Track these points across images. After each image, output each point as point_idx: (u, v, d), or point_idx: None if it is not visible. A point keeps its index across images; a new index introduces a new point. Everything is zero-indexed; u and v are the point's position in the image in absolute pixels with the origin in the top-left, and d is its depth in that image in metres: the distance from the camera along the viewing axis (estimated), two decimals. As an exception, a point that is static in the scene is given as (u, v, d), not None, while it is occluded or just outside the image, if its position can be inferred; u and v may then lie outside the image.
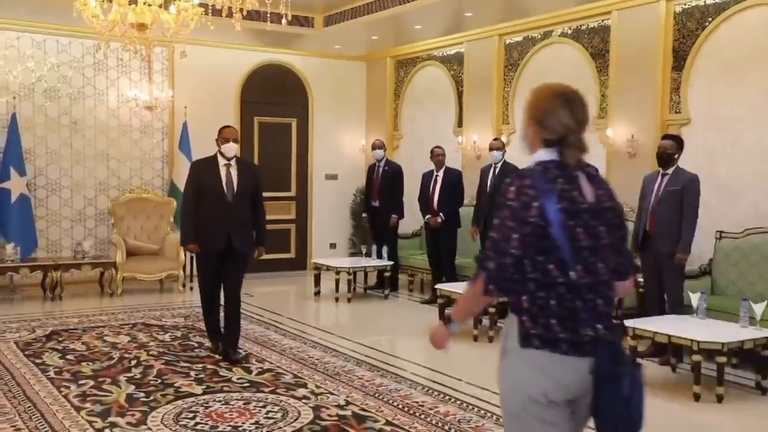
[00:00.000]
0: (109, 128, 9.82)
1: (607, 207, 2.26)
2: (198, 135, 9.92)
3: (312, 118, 11.32)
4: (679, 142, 6.10)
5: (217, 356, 5.93)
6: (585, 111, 2.27)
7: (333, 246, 11.40)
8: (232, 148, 5.73)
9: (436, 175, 8.63)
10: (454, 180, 8.60)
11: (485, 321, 6.90)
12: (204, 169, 5.72)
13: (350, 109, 11.59)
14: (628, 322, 5.61)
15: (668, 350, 5.84)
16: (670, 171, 6.07)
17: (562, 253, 2.17)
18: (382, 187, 9.32)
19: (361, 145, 11.59)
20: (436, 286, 7.46)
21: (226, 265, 5.71)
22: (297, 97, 11.22)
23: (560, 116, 2.24)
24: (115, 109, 9.84)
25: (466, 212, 8.66)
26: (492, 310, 6.76)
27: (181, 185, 9.69)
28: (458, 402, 4.93)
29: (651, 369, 5.87)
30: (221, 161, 5.72)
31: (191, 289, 9.42)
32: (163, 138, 10.18)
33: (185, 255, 9.25)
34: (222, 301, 5.91)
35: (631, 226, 6.66)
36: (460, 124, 9.98)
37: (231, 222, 5.64)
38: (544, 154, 2.27)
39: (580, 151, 2.25)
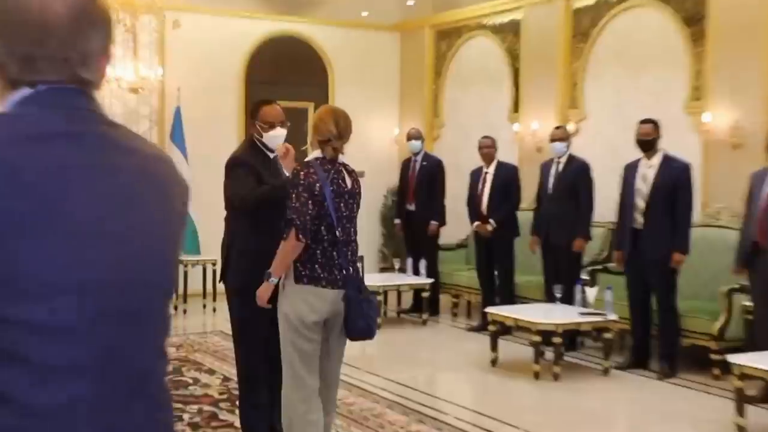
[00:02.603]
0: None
1: (357, 192, 4.23)
2: (194, 123, 9.90)
3: (333, 102, 11.22)
4: None
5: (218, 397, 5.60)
6: (346, 124, 4.19)
7: (359, 259, 11.29)
8: (280, 138, 4.74)
9: (486, 173, 8.60)
10: (507, 178, 8.55)
11: (549, 354, 6.75)
12: (259, 166, 4.67)
13: (380, 91, 11.57)
14: (732, 358, 5.40)
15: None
16: None
17: (331, 220, 4.05)
18: (420, 186, 9.32)
19: (394, 135, 11.62)
20: (486, 310, 7.43)
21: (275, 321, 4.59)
22: (315, 76, 11.23)
23: (328, 125, 4.14)
24: (92, 92, 9.81)
25: (526, 217, 8.55)
26: (557, 340, 6.62)
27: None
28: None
29: (764, 417, 5.64)
30: (270, 154, 4.75)
31: (185, 312, 9.39)
32: (150, 126, 10.19)
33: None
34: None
35: (734, 235, 6.45)
36: (516, 108, 9.93)
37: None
38: (318, 153, 4.15)
39: (335, 152, 4.15)
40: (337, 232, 4.07)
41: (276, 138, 4.70)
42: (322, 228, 4.05)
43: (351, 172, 4.25)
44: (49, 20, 1.31)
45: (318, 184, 4.02)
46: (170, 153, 9.77)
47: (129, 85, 9.64)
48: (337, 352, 4.24)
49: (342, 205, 4.11)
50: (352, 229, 4.20)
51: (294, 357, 4.09)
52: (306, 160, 4.18)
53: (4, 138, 1.26)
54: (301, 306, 4.04)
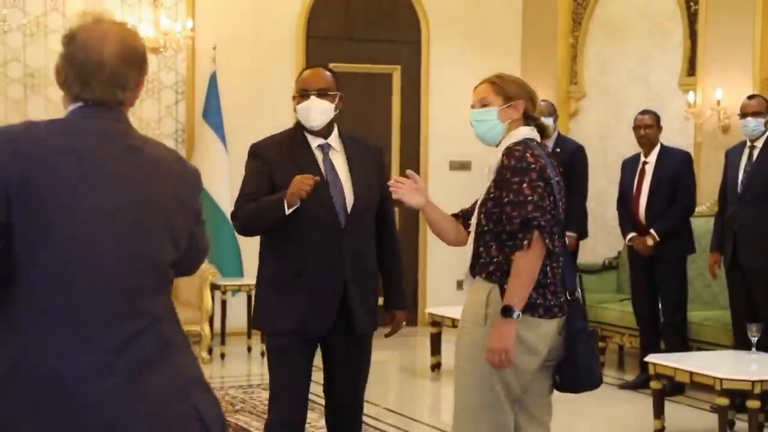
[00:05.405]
0: (87, 84, 9.94)
1: (563, 187, 4.33)
2: (235, 95, 10.06)
3: (427, 65, 11.41)
4: None
5: None
6: None
7: (462, 286, 11.19)
8: (314, 112, 4.79)
9: (645, 163, 8.60)
10: (676, 170, 8.50)
11: (741, 424, 6.62)
12: (281, 158, 4.82)
13: (494, 48, 11.55)
14: None
15: None
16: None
17: (556, 221, 4.09)
18: (551, 182, 9.21)
19: (514, 111, 11.49)
20: (647, 359, 7.34)
21: (330, 358, 4.95)
22: (401, 28, 11.33)
23: (538, 97, 4.42)
24: (99, 51, 9.95)
25: (704, 227, 8.46)
26: (754, 404, 6.46)
27: (208, 181, 9.80)
28: None
29: None
30: (312, 142, 4.85)
31: (222, 357, 9.49)
32: (177, 100, 10.36)
33: (212, 298, 9.23)
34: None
35: None
36: (691, 71, 9.83)
37: (344, 272, 4.78)
38: (530, 132, 4.23)
39: (548, 131, 4.49)
40: (558, 241, 4.17)
41: (307, 112, 4.76)
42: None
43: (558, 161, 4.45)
44: (104, 59, 2.67)
45: (548, 171, 4.11)
46: (202, 138, 9.98)
47: (147, 44, 9.67)
48: (547, 413, 4.40)
49: (560, 203, 4.22)
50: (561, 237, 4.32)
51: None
52: (516, 139, 4.23)
53: (58, 131, 2.69)
54: (518, 351, 4.04)
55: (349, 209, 4.76)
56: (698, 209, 8.63)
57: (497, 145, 4.25)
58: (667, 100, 9.81)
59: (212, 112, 9.92)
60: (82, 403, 2.53)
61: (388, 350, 10.24)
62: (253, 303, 5.08)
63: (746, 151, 7.77)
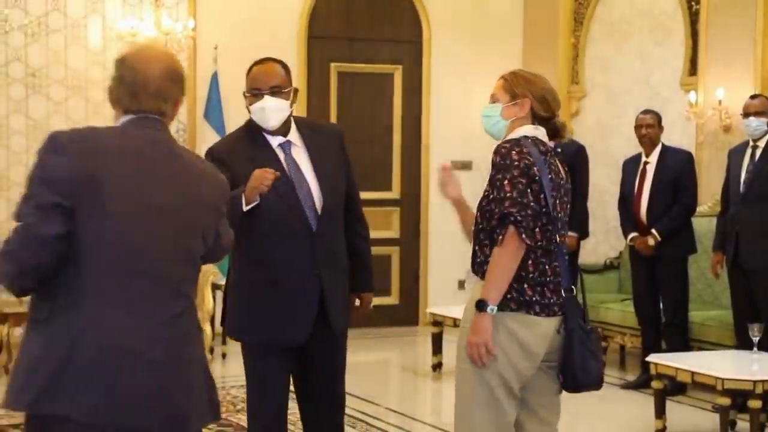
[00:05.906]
0: (89, 83, 9.99)
1: (568, 187, 4.30)
2: (236, 95, 9.79)
3: (429, 65, 11.40)
4: None
5: None
6: None
7: (464, 285, 11.17)
8: (269, 112, 4.59)
9: (646, 163, 8.59)
10: (677, 170, 8.48)
11: (743, 424, 6.64)
12: (241, 162, 4.55)
13: (495, 48, 11.53)
14: None
15: None
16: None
17: (548, 220, 4.09)
18: (552, 182, 9.22)
19: (515, 111, 11.50)
20: (648, 359, 7.34)
21: (305, 359, 4.78)
22: (403, 28, 11.33)
23: (556, 97, 4.33)
24: (100, 51, 10.00)
25: (705, 227, 8.44)
26: (755, 404, 6.43)
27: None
28: None
29: None
30: (272, 141, 4.66)
31: (224, 356, 9.47)
32: None
33: (213, 298, 9.28)
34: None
35: None
36: (693, 70, 9.81)
37: (319, 276, 4.62)
38: (531, 130, 4.22)
39: (564, 130, 4.36)
40: (554, 239, 4.17)
41: (262, 113, 4.56)
42: (536, 230, 4.10)
43: (562, 161, 4.35)
44: (150, 77, 3.16)
45: (536, 168, 4.08)
46: (203, 136, 10.00)
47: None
48: (553, 413, 4.37)
49: (557, 202, 4.18)
50: (564, 236, 4.30)
51: None
52: (514, 136, 4.25)
53: (116, 135, 3.19)
54: (513, 348, 4.08)
55: (319, 210, 4.57)
56: (699, 209, 8.60)
57: None
58: (668, 99, 9.81)
59: (213, 112, 9.93)
60: (131, 373, 2.99)
61: (389, 350, 10.36)
62: (222, 310, 4.84)
63: (749, 151, 7.74)
